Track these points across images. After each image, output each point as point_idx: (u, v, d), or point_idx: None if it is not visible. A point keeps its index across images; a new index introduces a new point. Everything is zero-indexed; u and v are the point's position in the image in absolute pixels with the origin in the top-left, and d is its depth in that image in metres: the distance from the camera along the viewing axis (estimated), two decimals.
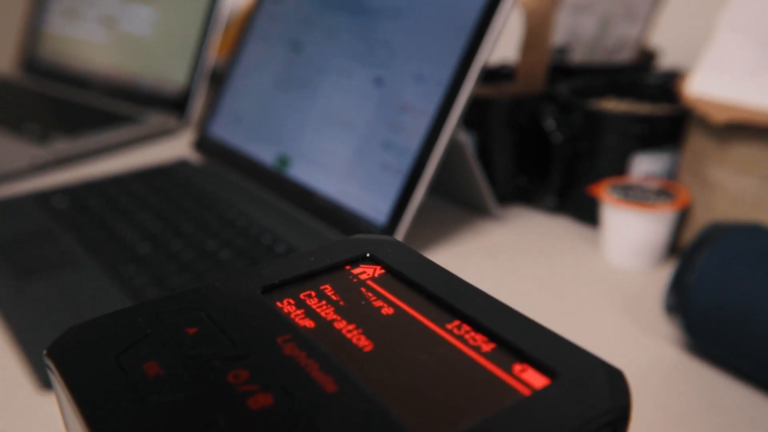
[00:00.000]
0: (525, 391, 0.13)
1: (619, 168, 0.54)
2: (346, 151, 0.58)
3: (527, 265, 0.52)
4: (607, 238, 0.51)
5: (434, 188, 0.64)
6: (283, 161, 0.64)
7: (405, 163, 0.52)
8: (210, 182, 0.68)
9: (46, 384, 0.38)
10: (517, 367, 0.14)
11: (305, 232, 0.56)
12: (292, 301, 0.16)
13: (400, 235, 0.51)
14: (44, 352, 0.15)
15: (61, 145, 0.76)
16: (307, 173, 0.61)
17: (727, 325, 0.36)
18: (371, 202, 0.54)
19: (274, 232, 0.56)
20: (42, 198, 0.64)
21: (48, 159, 0.74)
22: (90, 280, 0.48)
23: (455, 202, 0.63)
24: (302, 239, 0.55)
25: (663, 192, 0.50)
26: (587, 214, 0.56)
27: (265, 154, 0.66)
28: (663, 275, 0.49)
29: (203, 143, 0.75)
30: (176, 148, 0.80)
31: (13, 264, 0.51)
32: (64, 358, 0.14)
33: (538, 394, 0.13)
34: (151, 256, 0.52)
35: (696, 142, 0.50)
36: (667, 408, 0.36)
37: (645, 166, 0.54)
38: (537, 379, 0.13)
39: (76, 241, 0.55)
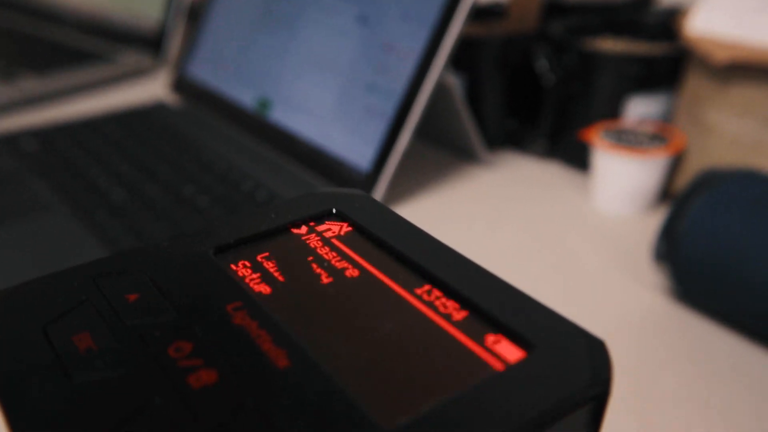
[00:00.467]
0: (498, 366, 0.12)
1: (613, 111, 0.52)
2: (328, 93, 0.55)
3: (515, 211, 0.51)
4: (598, 184, 0.50)
5: (421, 132, 0.62)
6: (264, 104, 0.61)
7: (390, 106, 0.50)
8: (188, 126, 0.65)
9: None
10: (491, 338, 0.13)
11: (287, 178, 0.54)
12: (247, 264, 0.15)
13: (384, 181, 0.49)
14: None
15: (28, 84, 0.72)
16: (288, 117, 0.59)
17: (717, 274, 0.36)
18: (354, 146, 0.52)
19: (255, 177, 0.54)
20: (9, 140, 0.61)
21: (14, 98, 0.71)
22: (62, 227, 0.47)
23: (442, 147, 0.61)
24: (284, 185, 0.53)
25: (657, 136, 0.48)
26: (579, 158, 0.55)
27: (245, 96, 0.64)
28: (654, 222, 0.48)
29: (180, 84, 0.71)
30: (151, 89, 0.77)
31: None
32: None
33: (512, 368, 0.12)
34: (125, 202, 0.50)
35: (695, 83, 0.48)
36: (652, 356, 0.36)
37: (640, 108, 0.52)
38: (511, 352, 0.12)
39: (46, 186, 0.53)
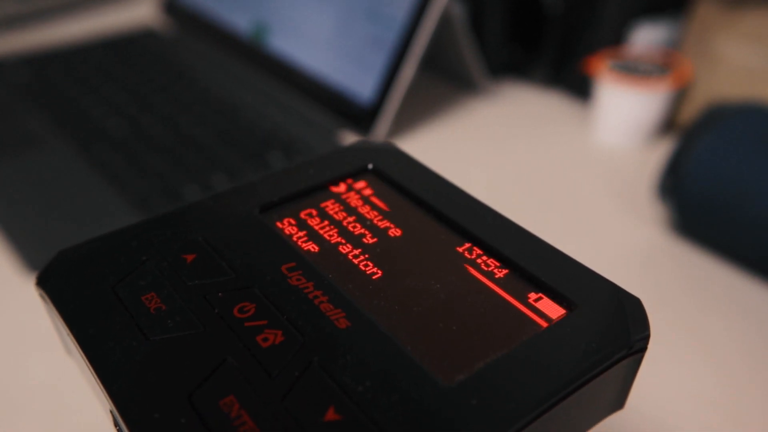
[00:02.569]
0: (542, 323, 0.13)
1: (619, 38, 0.51)
2: (328, 19, 0.54)
3: (515, 143, 0.51)
4: (600, 115, 0.50)
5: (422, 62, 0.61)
6: (261, 29, 0.59)
7: (392, 35, 0.49)
8: (180, 54, 0.63)
9: (29, 266, 0.37)
10: (533, 296, 0.14)
11: (287, 110, 0.54)
12: (292, 221, 0.15)
13: (388, 114, 0.49)
14: (35, 281, 0.14)
15: (8, 5, 0.69)
16: (286, 44, 0.57)
17: (720, 209, 0.37)
18: (356, 77, 0.51)
19: (254, 110, 0.54)
20: None
21: None
22: (62, 161, 0.46)
23: (442, 77, 0.60)
24: (284, 117, 0.53)
25: (662, 66, 0.48)
26: (582, 87, 0.54)
27: (240, 20, 0.61)
28: (657, 154, 0.49)
29: (171, 7, 0.69)
30: (139, 12, 0.74)
31: None
32: (57, 288, 0.13)
33: (555, 326, 0.13)
34: (124, 134, 0.50)
35: (705, 9, 0.47)
36: (653, 288, 0.38)
37: (646, 35, 0.51)
38: (553, 310, 0.13)
39: (41, 118, 0.52)
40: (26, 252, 0.38)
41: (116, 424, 0.12)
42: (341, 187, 0.17)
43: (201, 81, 0.58)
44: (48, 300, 0.13)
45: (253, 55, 0.60)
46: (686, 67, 0.48)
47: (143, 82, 0.58)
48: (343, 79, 0.52)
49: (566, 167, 0.48)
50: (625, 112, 0.48)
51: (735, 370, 0.32)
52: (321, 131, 0.51)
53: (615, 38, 0.51)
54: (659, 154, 0.49)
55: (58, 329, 0.14)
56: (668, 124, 0.51)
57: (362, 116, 0.50)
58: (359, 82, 0.50)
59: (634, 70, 0.48)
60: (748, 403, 0.31)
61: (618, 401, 0.13)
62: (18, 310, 0.35)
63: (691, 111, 0.49)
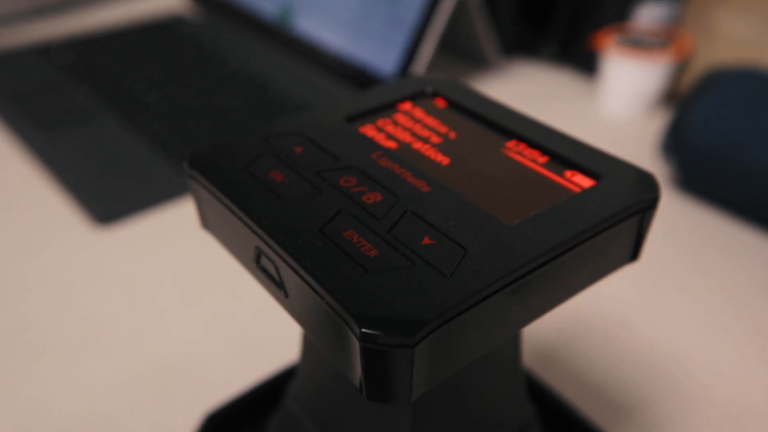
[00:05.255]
0: (576, 189, 0.17)
1: (623, 16, 0.55)
2: (351, 0, 0.57)
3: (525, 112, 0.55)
4: (606, 87, 0.54)
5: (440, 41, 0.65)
6: (286, 13, 0.63)
7: (412, 14, 0.53)
8: (210, 39, 0.67)
9: (99, 219, 0.41)
10: (568, 173, 0.17)
11: (313, 85, 0.58)
12: (373, 127, 0.19)
13: None
14: (185, 163, 0.18)
15: None
16: (311, 25, 0.61)
17: (719, 163, 0.41)
18: (379, 54, 0.55)
19: (283, 84, 0.58)
20: (42, 51, 0.64)
21: (23, 9, 0.72)
22: (110, 131, 0.50)
23: (458, 56, 0.64)
24: (311, 91, 0.56)
25: (664, 40, 0.52)
26: (589, 63, 0.58)
27: (267, 5, 0.65)
28: (659, 122, 0.53)
29: None
30: (168, 0, 0.78)
31: (32, 116, 0.52)
32: (205, 168, 0.17)
33: (586, 191, 0.17)
34: (164, 107, 0.54)
35: None
36: (657, 235, 0.42)
37: (649, 12, 0.55)
38: (585, 181, 0.17)
39: (87, 94, 0.56)
40: (92, 206, 0.42)
41: (258, 260, 0.16)
42: (407, 105, 0.21)
43: (231, 61, 0.62)
44: (198, 176, 0.17)
45: (279, 37, 0.64)
46: (687, 40, 0.52)
47: (177, 63, 0.62)
48: (367, 56, 0.55)
49: (574, 135, 0.52)
50: (629, 82, 0.52)
51: (736, 308, 0.36)
52: None
53: (620, 16, 0.55)
54: (662, 121, 0.53)
55: (202, 203, 0.18)
56: (670, 95, 0.55)
57: None
58: (382, 58, 0.54)
59: (638, 44, 0.52)
60: (741, 331, 0.35)
61: (634, 252, 0.17)
62: (91, 254, 0.39)
63: (691, 82, 0.53)
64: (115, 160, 0.47)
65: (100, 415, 0.29)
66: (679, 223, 0.42)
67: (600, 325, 0.34)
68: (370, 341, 0.13)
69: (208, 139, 0.50)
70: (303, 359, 0.22)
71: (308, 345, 0.21)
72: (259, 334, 0.33)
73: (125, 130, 0.51)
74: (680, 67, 0.53)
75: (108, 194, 0.43)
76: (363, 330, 0.13)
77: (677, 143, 0.42)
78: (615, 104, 0.54)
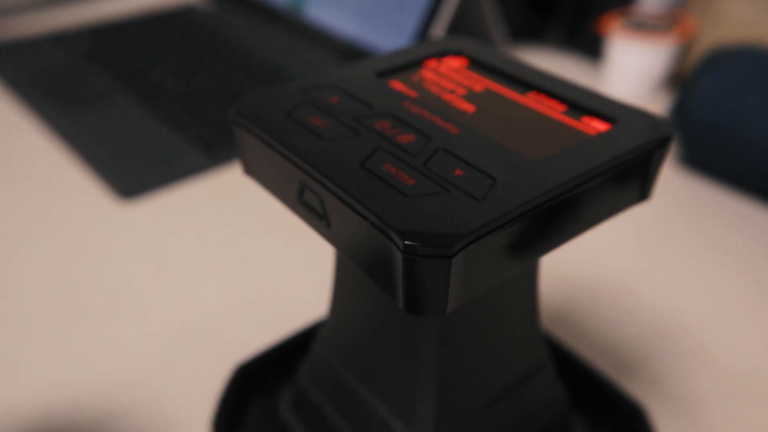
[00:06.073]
0: (593, 132, 0.18)
1: (628, 0, 0.57)
2: None
3: None
4: (612, 69, 0.55)
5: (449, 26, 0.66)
6: (298, 1, 0.65)
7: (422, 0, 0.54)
8: (222, 27, 0.69)
9: (123, 194, 0.43)
10: (586, 119, 0.19)
11: (325, 71, 0.59)
12: (401, 82, 0.21)
13: None
14: (231, 111, 0.19)
15: None
16: (323, 12, 0.62)
17: (723, 137, 0.42)
18: (390, 37, 0.56)
19: (295, 69, 0.59)
20: (60, 38, 0.65)
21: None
22: (129, 112, 0.52)
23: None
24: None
25: (668, 23, 0.53)
26: (594, 48, 0.60)
27: None
28: (663, 102, 0.54)
29: None
30: None
31: (54, 98, 0.54)
32: (250, 114, 0.19)
33: (602, 133, 0.18)
34: (180, 89, 0.55)
35: None
36: (660, 209, 0.43)
37: None
38: (601, 125, 0.18)
39: (106, 77, 0.57)
40: (115, 182, 0.44)
41: (301, 196, 0.18)
42: (433, 62, 0.22)
43: (243, 47, 0.63)
44: (244, 122, 0.19)
45: (291, 24, 0.65)
46: (691, 22, 0.53)
47: (192, 49, 0.63)
48: (377, 41, 0.57)
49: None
50: (634, 65, 0.54)
51: (738, 275, 0.38)
52: None
53: (624, 1, 0.57)
54: (666, 102, 0.54)
55: (246, 149, 0.19)
56: (675, 77, 0.56)
57: None
58: (392, 43, 0.56)
59: (642, 27, 0.53)
60: (742, 297, 0.36)
61: (646, 191, 0.19)
62: (117, 226, 0.41)
63: (695, 63, 0.54)
64: (136, 139, 0.48)
65: (135, 370, 0.30)
66: (683, 197, 0.44)
67: (609, 291, 0.36)
68: (411, 253, 0.14)
69: (224, 121, 0.51)
70: (334, 303, 0.23)
71: (340, 287, 0.23)
72: (280, 298, 0.35)
73: (144, 112, 0.52)
74: (684, 49, 0.54)
75: (130, 171, 0.45)
76: (406, 242, 0.14)
77: (681, 119, 0.44)
78: (620, 87, 0.55)
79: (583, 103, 0.19)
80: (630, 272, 0.37)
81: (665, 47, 0.52)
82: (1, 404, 0.29)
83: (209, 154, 0.47)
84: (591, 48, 0.60)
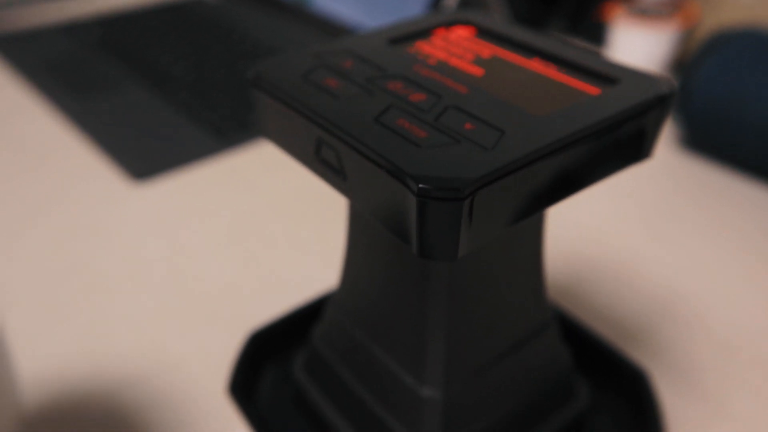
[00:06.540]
0: (596, 91, 0.19)
1: None
2: None
3: None
4: (615, 55, 0.56)
5: None
6: None
7: None
8: (230, 17, 0.70)
9: (135, 176, 0.44)
10: (590, 79, 0.20)
11: None
12: (413, 48, 0.22)
13: None
14: (250, 74, 0.20)
15: None
16: (330, 1, 0.63)
17: (724, 118, 0.43)
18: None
19: None
20: (70, 29, 0.66)
21: None
22: (140, 98, 0.53)
23: None
24: None
25: (671, 10, 0.54)
26: (597, 36, 0.60)
27: None
28: None
29: None
30: None
31: (66, 85, 0.55)
32: (268, 77, 0.20)
33: (605, 92, 0.19)
34: (190, 76, 0.56)
35: None
36: (667, 195, 0.44)
37: None
38: (605, 85, 0.19)
39: (116, 65, 0.58)
40: (128, 164, 0.45)
41: (318, 152, 0.19)
42: (442, 31, 0.23)
43: (250, 37, 0.64)
44: (262, 83, 0.19)
45: (298, 14, 0.66)
46: (693, 8, 0.54)
47: (199, 39, 0.64)
48: None
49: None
50: (637, 51, 0.54)
51: (738, 252, 0.39)
52: None
53: None
54: None
55: (264, 110, 0.20)
56: (677, 63, 0.57)
57: None
58: None
59: (645, 13, 0.54)
60: (743, 271, 0.37)
61: (647, 149, 0.20)
62: (131, 206, 0.41)
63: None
64: (147, 124, 0.49)
65: (151, 340, 0.31)
66: (685, 178, 0.45)
67: (613, 267, 0.37)
68: (425, 196, 0.15)
69: (234, 106, 0.52)
70: (346, 265, 0.24)
71: (353, 247, 0.23)
72: (290, 274, 0.36)
73: (154, 98, 0.53)
74: (687, 35, 0.55)
75: (142, 154, 0.46)
76: (420, 185, 0.15)
77: (683, 102, 0.44)
78: None
79: (588, 65, 0.20)
80: (633, 249, 0.38)
81: (668, 33, 0.53)
82: (24, 372, 0.30)
83: (219, 138, 0.48)
84: (594, 35, 0.61)
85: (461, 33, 0.23)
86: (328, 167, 0.19)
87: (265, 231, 0.39)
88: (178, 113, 0.51)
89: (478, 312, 0.21)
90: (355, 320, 0.24)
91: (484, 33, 0.23)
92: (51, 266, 0.36)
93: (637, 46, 0.54)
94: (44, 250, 0.37)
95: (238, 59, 0.60)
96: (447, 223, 0.16)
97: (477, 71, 0.20)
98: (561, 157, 0.17)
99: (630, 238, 0.39)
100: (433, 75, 0.20)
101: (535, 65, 0.21)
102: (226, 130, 0.49)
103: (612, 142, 0.18)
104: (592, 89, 0.19)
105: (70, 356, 0.30)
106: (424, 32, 0.23)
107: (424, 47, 0.22)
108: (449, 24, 0.24)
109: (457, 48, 0.22)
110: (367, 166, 0.17)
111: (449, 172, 0.15)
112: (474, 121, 0.17)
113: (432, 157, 0.16)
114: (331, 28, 0.62)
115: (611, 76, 0.20)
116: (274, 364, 0.30)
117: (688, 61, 0.45)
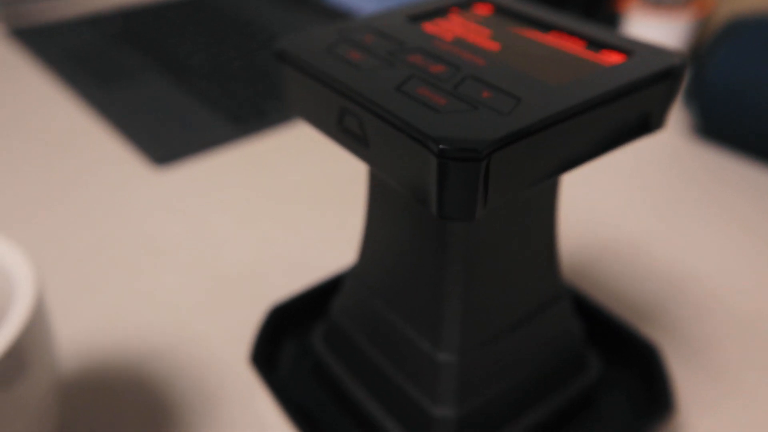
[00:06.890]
0: (609, 63, 0.20)
1: None
2: None
3: None
4: None
5: None
6: None
7: None
8: (244, 11, 0.71)
9: (157, 161, 0.45)
10: (604, 52, 0.20)
11: None
12: (431, 25, 0.22)
13: None
14: (276, 48, 0.21)
15: None
16: None
17: (739, 106, 0.43)
18: None
19: None
20: (93, 21, 0.68)
21: None
22: (160, 87, 0.54)
23: None
24: None
25: None
26: (612, 25, 0.61)
27: None
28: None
29: None
30: None
31: (89, 74, 0.56)
32: (293, 50, 0.20)
33: (619, 64, 0.19)
34: (208, 66, 0.57)
35: None
36: (680, 182, 0.44)
37: None
38: (618, 57, 0.20)
39: (136, 56, 0.60)
40: (150, 150, 0.46)
41: (341, 121, 0.20)
42: (459, 9, 0.24)
43: (267, 29, 0.65)
44: (288, 56, 0.20)
45: (314, 6, 0.67)
46: None
47: (217, 31, 0.65)
48: None
49: None
50: (652, 40, 0.55)
51: (751, 235, 0.39)
52: None
53: None
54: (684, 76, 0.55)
55: (290, 82, 0.21)
56: (693, 53, 0.57)
57: None
58: None
59: (659, 3, 0.54)
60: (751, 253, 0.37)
61: (658, 120, 0.20)
62: (153, 190, 0.43)
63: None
64: (167, 112, 0.51)
65: (175, 315, 0.32)
66: (698, 165, 0.45)
67: (626, 250, 0.37)
68: (445, 156, 0.16)
69: (251, 95, 0.53)
70: (366, 236, 0.25)
71: (372, 217, 0.24)
72: (307, 255, 0.37)
73: (174, 87, 0.54)
74: (701, 24, 0.55)
75: (163, 140, 0.47)
76: (440, 146, 0.16)
77: (697, 90, 0.45)
78: None
79: (602, 39, 0.21)
80: (647, 233, 0.38)
81: (682, 22, 0.53)
82: (59, 343, 0.31)
83: (238, 125, 0.49)
84: (608, 25, 0.61)
85: (479, 11, 0.24)
86: (351, 136, 0.19)
87: (283, 214, 0.40)
88: (197, 102, 0.52)
89: (493, 280, 0.22)
90: (374, 290, 0.25)
91: (503, 11, 0.24)
92: (78, 245, 0.37)
93: (652, 36, 0.54)
94: (71, 230, 0.39)
95: (255, 51, 0.61)
96: (465, 184, 0.16)
97: (494, 46, 0.21)
98: (575, 124, 0.18)
99: (644, 223, 0.39)
100: (451, 49, 0.21)
101: (552, 39, 0.22)
102: (244, 118, 0.50)
103: (625, 111, 0.19)
104: (606, 61, 0.20)
105: (97, 329, 0.32)
106: (442, 10, 0.24)
107: (442, 24, 0.23)
108: (468, 2, 0.24)
109: (476, 25, 0.23)
110: (389, 131, 0.17)
111: (468, 135, 0.16)
112: (491, 89, 0.18)
113: (451, 122, 0.17)
114: (342, 18, 0.63)
115: (626, 48, 0.20)
116: (294, 337, 0.30)
117: (703, 49, 0.45)
